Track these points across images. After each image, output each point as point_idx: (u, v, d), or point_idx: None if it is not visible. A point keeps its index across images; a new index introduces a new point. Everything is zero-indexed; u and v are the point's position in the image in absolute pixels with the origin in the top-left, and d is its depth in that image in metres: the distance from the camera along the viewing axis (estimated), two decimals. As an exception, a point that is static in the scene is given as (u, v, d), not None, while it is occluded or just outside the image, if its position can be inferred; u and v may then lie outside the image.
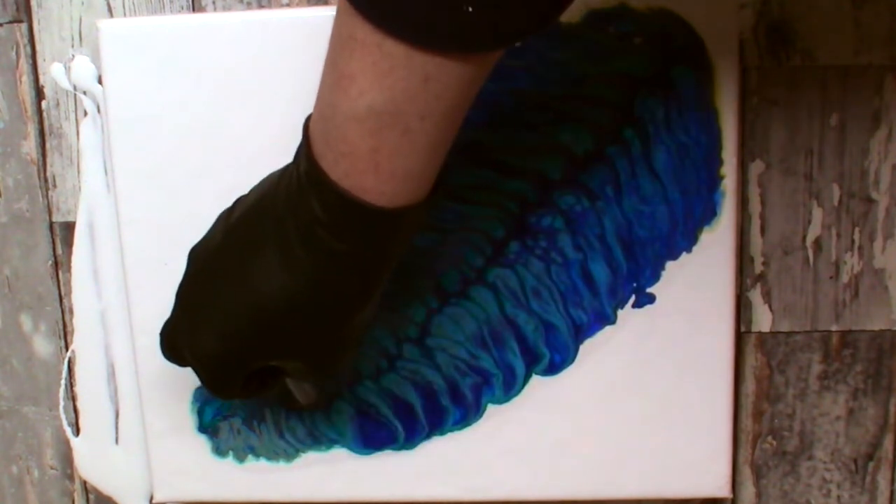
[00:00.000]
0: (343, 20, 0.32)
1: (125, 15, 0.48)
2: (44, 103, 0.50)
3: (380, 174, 0.33)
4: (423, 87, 0.31)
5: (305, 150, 0.34)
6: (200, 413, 0.50)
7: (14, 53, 0.50)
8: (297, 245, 0.35)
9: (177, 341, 0.41)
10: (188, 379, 0.47)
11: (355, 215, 0.34)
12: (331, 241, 0.34)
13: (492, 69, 0.33)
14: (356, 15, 0.31)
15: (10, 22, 0.49)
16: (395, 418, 0.49)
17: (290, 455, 0.50)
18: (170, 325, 0.42)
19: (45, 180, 0.51)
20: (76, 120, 0.50)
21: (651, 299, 0.47)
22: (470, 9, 0.29)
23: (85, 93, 0.49)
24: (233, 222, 0.39)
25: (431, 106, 0.32)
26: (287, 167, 0.37)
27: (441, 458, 0.49)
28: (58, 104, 0.50)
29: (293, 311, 0.36)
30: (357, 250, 0.35)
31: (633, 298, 0.47)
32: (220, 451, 0.50)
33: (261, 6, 0.48)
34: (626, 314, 0.47)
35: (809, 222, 0.48)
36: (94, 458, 0.53)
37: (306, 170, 0.34)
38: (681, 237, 0.46)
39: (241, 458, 0.50)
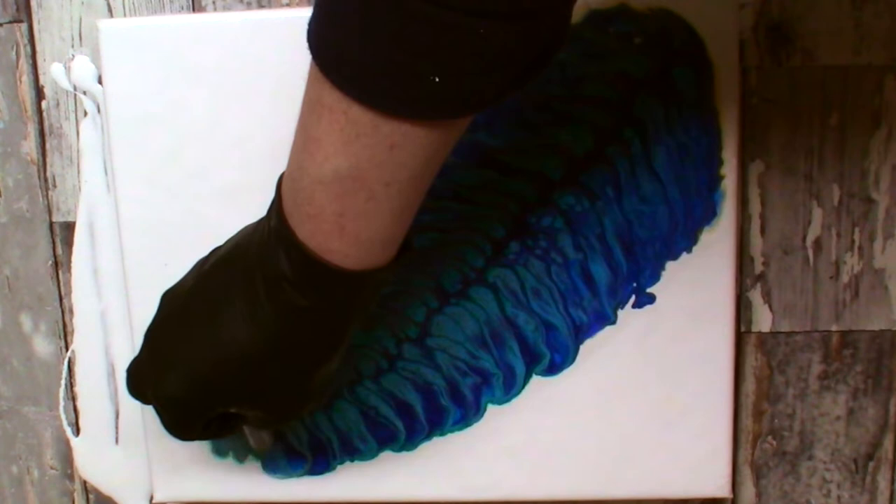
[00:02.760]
0: (312, 83, 0.32)
1: (125, 15, 0.48)
2: (44, 103, 0.50)
3: (344, 237, 0.34)
4: (389, 155, 0.32)
5: (276, 206, 0.35)
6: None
7: (14, 53, 0.50)
8: (263, 298, 0.35)
9: (142, 381, 0.41)
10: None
11: (319, 274, 0.34)
12: (296, 298, 0.35)
13: (459, 136, 0.33)
14: (324, 80, 0.31)
15: (10, 22, 0.49)
16: (396, 418, 0.49)
17: (290, 455, 0.50)
18: (136, 365, 0.42)
19: (45, 180, 0.51)
20: (76, 120, 0.50)
21: (651, 299, 0.47)
22: (436, 79, 0.29)
23: (85, 93, 0.49)
24: (205, 270, 0.39)
25: (397, 173, 0.32)
26: (260, 220, 0.37)
27: (441, 458, 0.49)
28: (58, 104, 0.50)
29: (257, 362, 0.37)
30: (321, 308, 0.35)
31: (633, 298, 0.47)
32: (220, 451, 0.50)
33: (261, 6, 0.48)
34: (626, 314, 0.47)
35: (809, 222, 0.48)
36: (94, 458, 0.53)
37: (276, 226, 0.35)
38: (681, 237, 0.46)
39: (241, 458, 0.50)
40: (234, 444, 0.50)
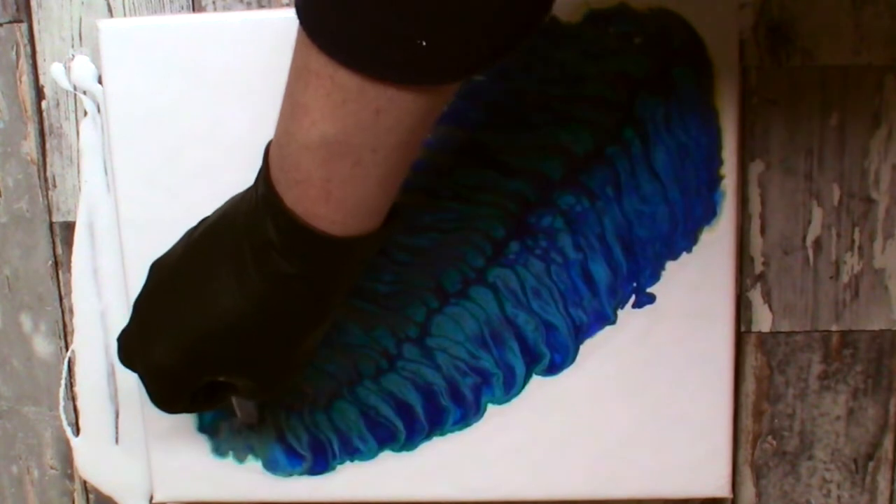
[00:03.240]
0: (299, 50, 0.32)
1: (125, 15, 0.48)
2: (44, 103, 0.50)
3: (331, 203, 0.34)
4: (375, 120, 0.32)
5: (264, 173, 0.35)
6: (200, 413, 0.50)
7: (14, 53, 0.50)
8: (251, 266, 0.36)
9: (131, 350, 0.42)
10: (188, 379, 0.47)
11: (306, 241, 0.34)
12: (282, 265, 0.35)
13: (447, 102, 0.34)
14: (311, 45, 0.31)
15: (10, 22, 0.49)
16: (396, 418, 0.49)
17: (290, 455, 0.50)
18: (125, 334, 0.42)
19: (45, 180, 0.51)
20: (76, 120, 0.50)
21: (651, 299, 0.47)
22: (423, 43, 0.29)
23: (85, 93, 0.49)
24: (194, 239, 0.39)
25: (383, 139, 0.32)
26: (248, 190, 0.37)
27: (441, 458, 0.49)
28: (58, 104, 0.50)
29: (245, 330, 0.37)
30: (307, 275, 0.36)
31: (633, 298, 0.47)
32: (220, 451, 0.50)
33: (261, 6, 0.48)
34: (626, 314, 0.47)
35: (809, 222, 0.48)
36: (94, 458, 0.53)
37: (263, 193, 0.35)
38: (681, 237, 0.46)
39: (241, 458, 0.50)
40: (233, 445, 0.50)
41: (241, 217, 0.36)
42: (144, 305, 0.41)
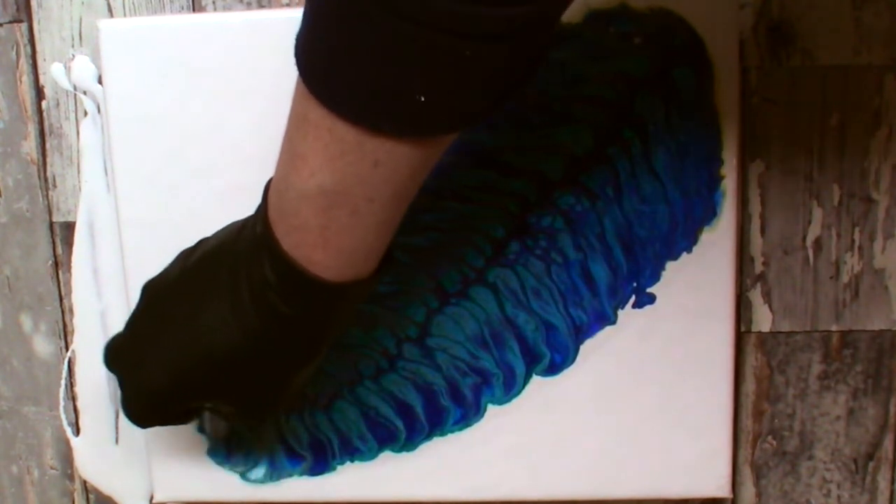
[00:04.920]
0: (298, 99, 0.32)
1: (125, 15, 0.48)
2: (44, 103, 0.50)
3: (328, 250, 0.34)
4: (373, 171, 0.32)
5: (263, 213, 0.35)
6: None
7: (14, 53, 0.50)
8: (247, 302, 0.36)
9: (120, 360, 0.42)
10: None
11: (302, 285, 0.35)
12: (279, 304, 0.35)
13: (443, 151, 0.34)
14: (310, 97, 0.31)
15: (10, 22, 0.49)
16: (396, 418, 0.49)
17: (290, 455, 0.50)
18: (117, 341, 0.42)
19: (45, 180, 0.51)
20: (76, 120, 0.50)
21: (651, 299, 0.47)
22: (422, 98, 0.30)
23: (85, 93, 0.49)
24: (190, 264, 0.39)
25: (380, 189, 0.33)
26: (248, 220, 0.38)
27: (441, 458, 0.49)
28: (58, 104, 0.50)
29: (237, 362, 0.37)
30: (302, 316, 0.36)
31: (633, 298, 0.47)
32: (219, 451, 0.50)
33: (261, 6, 0.48)
34: (626, 314, 0.47)
35: (809, 222, 0.48)
36: (94, 458, 0.53)
37: (262, 233, 0.35)
38: (681, 237, 0.46)
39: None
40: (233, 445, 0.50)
41: (241, 250, 0.37)
42: (138, 325, 0.41)
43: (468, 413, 0.48)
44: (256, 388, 0.39)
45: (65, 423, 0.53)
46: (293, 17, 0.45)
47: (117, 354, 0.42)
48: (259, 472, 0.50)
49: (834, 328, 0.49)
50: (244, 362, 0.38)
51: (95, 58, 0.49)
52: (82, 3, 0.49)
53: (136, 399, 0.41)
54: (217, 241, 0.39)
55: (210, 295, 0.37)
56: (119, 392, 0.42)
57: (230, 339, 0.37)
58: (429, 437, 0.49)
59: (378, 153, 0.32)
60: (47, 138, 0.50)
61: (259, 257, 0.35)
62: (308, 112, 0.32)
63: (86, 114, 0.49)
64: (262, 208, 0.36)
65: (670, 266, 0.46)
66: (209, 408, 0.42)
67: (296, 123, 0.33)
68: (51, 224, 0.51)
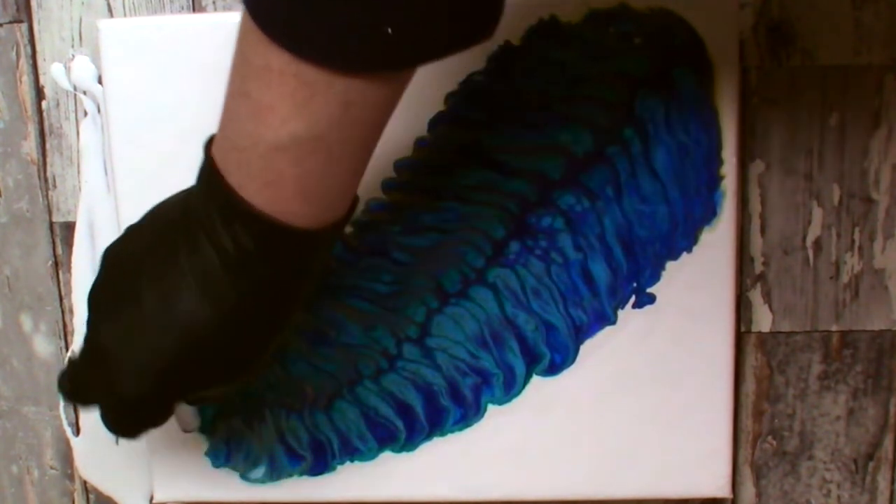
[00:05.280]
0: (255, 49, 0.31)
1: (125, 15, 0.48)
2: (44, 103, 0.50)
3: (307, 198, 0.33)
4: (345, 113, 0.31)
5: (220, 183, 0.34)
6: (201, 413, 0.50)
7: (14, 53, 0.50)
8: (222, 277, 0.35)
9: (84, 386, 0.39)
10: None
11: (283, 240, 0.34)
12: (258, 268, 0.34)
13: (406, 85, 0.33)
14: (269, 43, 0.30)
15: (10, 22, 0.49)
16: (396, 418, 0.49)
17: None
18: (74, 370, 0.40)
19: (45, 180, 0.51)
20: (76, 120, 0.50)
21: (651, 299, 0.47)
22: (389, 30, 0.29)
23: (85, 93, 0.49)
24: (125, 264, 0.37)
25: (353, 130, 0.32)
26: (190, 197, 0.36)
27: (441, 458, 0.49)
28: (58, 104, 0.50)
29: (220, 341, 0.36)
30: (284, 273, 0.35)
31: (633, 298, 0.47)
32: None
33: (261, 6, 0.48)
34: (626, 314, 0.47)
35: (809, 222, 0.48)
36: (94, 458, 0.53)
37: (224, 203, 0.34)
38: (681, 237, 0.46)
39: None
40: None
41: (196, 232, 0.35)
42: (95, 338, 0.39)
43: (468, 413, 0.48)
44: (241, 361, 0.38)
45: (65, 423, 0.53)
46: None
47: (78, 380, 0.40)
48: (259, 472, 0.50)
49: (834, 328, 0.49)
50: (226, 342, 0.36)
51: (95, 58, 0.49)
52: (82, 3, 0.49)
53: (119, 414, 0.39)
54: (151, 234, 0.37)
55: (171, 287, 0.36)
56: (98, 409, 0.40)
57: (207, 323, 0.35)
58: (429, 437, 0.49)
59: (349, 93, 0.31)
60: (47, 138, 0.50)
61: (228, 228, 0.34)
62: (269, 60, 0.31)
63: (86, 114, 0.49)
64: (214, 178, 0.34)
65: (670, 266, 0.46)
66: (196, 398, 0.40)
67: (254, 73, 0.31)
68: (51, 224, 0.51)
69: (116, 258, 0.39)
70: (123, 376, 0.37)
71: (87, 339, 0.39)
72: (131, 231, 0.39)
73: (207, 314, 0.35)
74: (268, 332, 0.37)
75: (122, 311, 0.37)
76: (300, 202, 0.33)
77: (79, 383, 0.40)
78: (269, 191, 0.33)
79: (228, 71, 0.33)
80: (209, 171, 0.35)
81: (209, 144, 0.35)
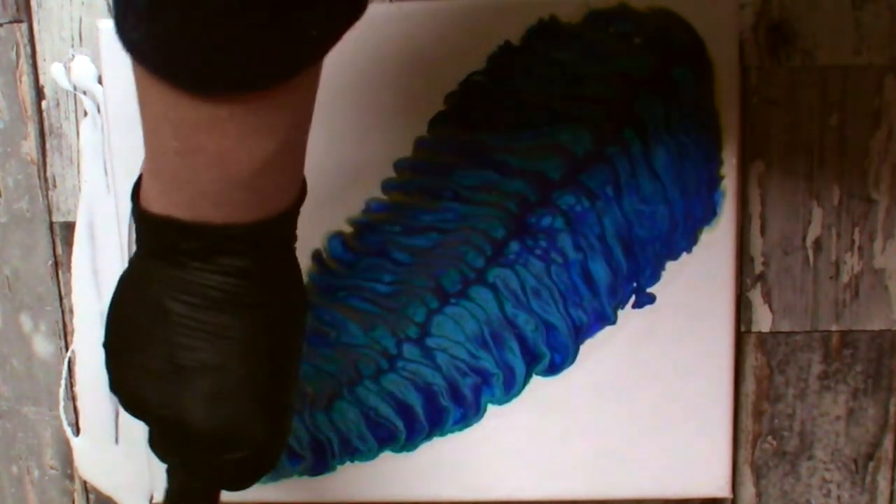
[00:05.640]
0: (184, 107, 0.31)
1: (125, 15, 0.48)
2: (44, 103, 0.50)
3: (272, 203, 0.34)
4: (294, 127, 0.33)
5: (171, 235, 0.33)
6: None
7: (14, 53, 0.50)
8: (216, 315, 0.34)
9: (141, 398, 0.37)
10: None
11: (263, 234, 0.34)
12: (258, 291, 0.34)
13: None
14: (199, 101, 0.30)
15: (10, 22, 0.49)
16: (396, 418, 0.49)
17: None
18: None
19: (45, 180, 0.51)
20: (76, 120, 0.50)
21: (651, 299, 0.47)
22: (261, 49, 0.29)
23: (85, 93, 0.49)
24: (122, 348, 0.36)
25: (291, 133, 0.33)
26: (142, 260, 0.35)
27: (441, 458, 0.49)
28: (58, 104, 0.50)
29: (238, 372, 0.35)
30: (277, 270, 0.35)
31: (633, 298, 0.47)
32: (220, 451, 0.50)
33: (261, 6, 0.48)
34: (626, 314, 0.47)
35: (809, 222, 0.48)
36: (94, 458, 0.53)
37: (194, 249, 0.33)
38: (681, 237, 0.46)
39: (241, 458, 0.50)
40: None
41: (170, 292, 0.34)
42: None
43: (468, 413, 0.48)
44: (275, 404, 0.36)
45: (65, 423, 0.53)
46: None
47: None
48: (259, 472, 0.50)
49: (834, 328, 0.49)
50: (261, 375, 0.35)
51: (95, 58, 0.48)
52: (82, 3, 0.49)
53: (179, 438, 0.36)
54: (132, 301, 0.36)
55: (175, 344, 0.34)
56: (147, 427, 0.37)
57: (223, 362, 0.34)
58: (429, 437, 0.49)
59: (272, 113, 0.32)
60: (47, 138, 0.50)
61: (210, 266, 0.33)
62: (199, 114, 0.31)
63: (86, 114, 0.49)
64: (166, 231, 0.34)
65: (670, 266, 0.46)
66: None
67: (192, 126, 0.31)
68: (51, 224, 0.51)
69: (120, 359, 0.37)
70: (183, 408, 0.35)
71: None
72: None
73: (225, 355, 0.34)
74: (285, 359, 0.36)
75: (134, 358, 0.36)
76: (267, 207, 0.34)
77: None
78: (237, 214, 0.33)
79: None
80: (155, 228, 0.34)
81: (140, 212, 0.35)
